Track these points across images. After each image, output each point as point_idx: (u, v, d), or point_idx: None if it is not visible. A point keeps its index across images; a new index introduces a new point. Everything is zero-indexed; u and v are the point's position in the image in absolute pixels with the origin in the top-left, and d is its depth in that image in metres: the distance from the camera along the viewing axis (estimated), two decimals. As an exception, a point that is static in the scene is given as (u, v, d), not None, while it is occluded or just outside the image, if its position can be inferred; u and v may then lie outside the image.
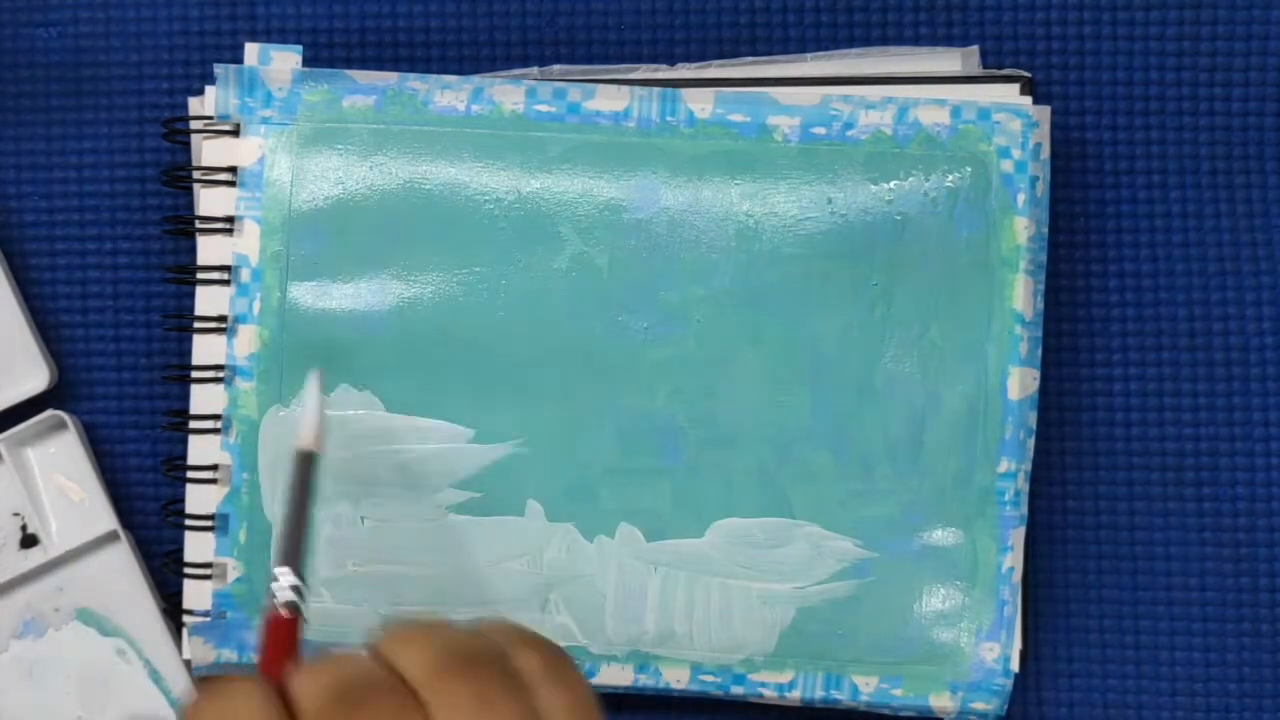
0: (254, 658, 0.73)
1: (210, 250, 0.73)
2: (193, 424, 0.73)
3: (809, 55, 0.75)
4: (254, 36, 0.77)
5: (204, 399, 0.73)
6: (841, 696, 0.73)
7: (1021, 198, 0.72)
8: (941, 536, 0.72)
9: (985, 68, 0.76)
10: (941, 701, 0.73)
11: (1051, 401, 0.76)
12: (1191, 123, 0.76)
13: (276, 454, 0.72)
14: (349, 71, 0.72)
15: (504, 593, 0.73)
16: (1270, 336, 0.76)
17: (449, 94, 0.72)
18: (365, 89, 0.72)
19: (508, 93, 0.72)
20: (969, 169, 0.72)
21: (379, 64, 0.77)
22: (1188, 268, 0.76)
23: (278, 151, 0.72)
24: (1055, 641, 0.77)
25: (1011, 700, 0.76)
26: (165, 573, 0.75)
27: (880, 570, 0.73)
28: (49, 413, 0.75)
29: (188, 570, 0.73)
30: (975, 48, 0.76)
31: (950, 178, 0.72)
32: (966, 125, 0.72)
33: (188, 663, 0.75)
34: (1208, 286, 0.76)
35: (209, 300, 0.73)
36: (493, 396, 0.72)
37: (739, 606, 0.73)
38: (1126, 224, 0.76)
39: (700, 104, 0.72)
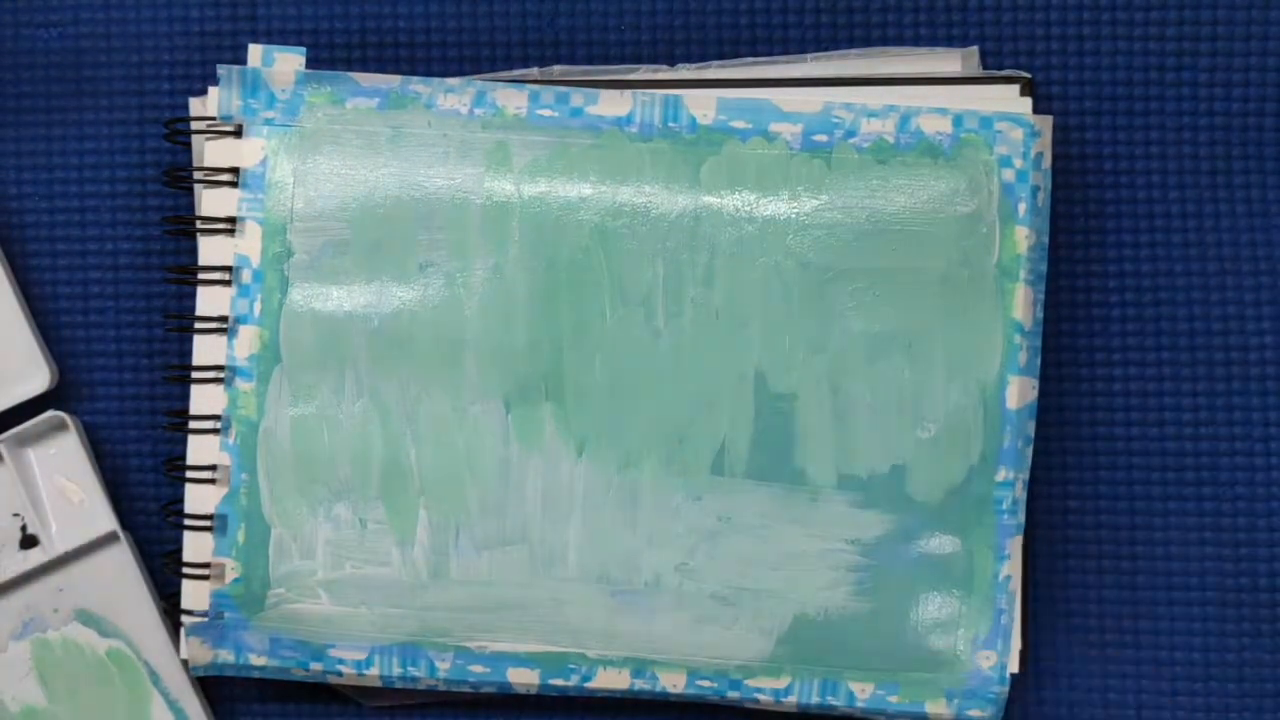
0: (252, 659, 0.73)
1: (211, 251, 0.73)
2: (192, 424, 0.73)
3: (809, 56, 0.75)
4: (254, 37, 0.77)
5: (204, 399, 0.73)
6: (837, 703, 0.74)
7: (1022, 207, 0.72)
8: (939, 545, 0.72)
9: (985, 68, 0.76)
10: (937, 709, 0.73)
11: (1052, 402, 0.76)
12: (1191, 123, 0.76)
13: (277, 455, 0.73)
14: (352, 74, 0.72)
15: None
16: (1270, 337, 0.76)
17: (451, 97, 0.72)
18: (368, 91, 0.72)
19: (510, 96, 0.72)
20: (970, 178, 0.72)
21: (379, 64, 0.76)
22: (1187, 268, 0.76)
23: (280, 153, 0.72)
24: (1056, 641, 0.77)
25: (1012, 700, 0.76)
26: (166, 573, 0.75)
27: (877, 578, 0.73)
28: (50, 413, 0.75)
29: (186, 570, 0.73)
30: (975, 49, 0.76)
31: (951, 186, 0.72)
32: (968, 134, 0.72)
33: (185, 663, 0.75)
34: (1207, 287, 0.76)
35: (210, 301, 0.73)
36: (495, 397, 0.72)
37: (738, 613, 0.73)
38: (1126, 224, 0.76)
39: (702, 109, 0.72)
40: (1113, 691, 0.77)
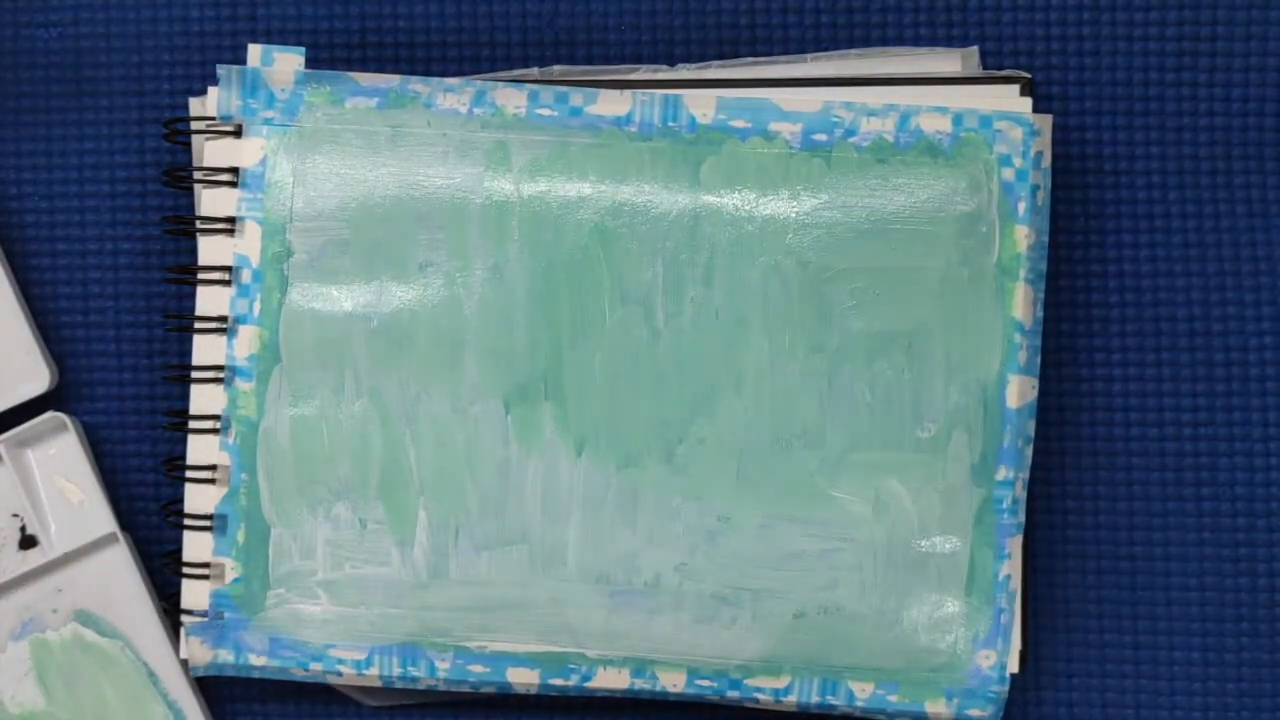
0: (251, 659, 0.73)
1: (211, 251, 0.73)
2: (192, 424, 0.73)
3: (809, 56, 0.75)
4: (254, 37, 0.77)
5: (204, 399, 0.73)
6: (837, 702, 0.74)
7: (1022, 206, 0.72)
8: (939, 544, 0.72)
9: (985, 68, 0.76)
10: (937, 708, 0.73)
11: (1052, 402, 0.76)
12: (1191, 123, 0.76)
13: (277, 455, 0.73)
14: (351, 74, 0.72)
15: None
16: (1270, 337, 0.76)
17: (451, 96, 0.72)
18: (367, 91, 0.72)
19: (510, 96, 0.72)
20: (970, 177, 0.72)
21: (379, 64, 0.77)
22: (1187, 268, 0.76)
23: (279, 153, 0.72)
24: (1055, 641, 0.77)
25: (1011, 700, 0.76)
26: (166, 573, 0.76)
27: (877, 577, 0.73)
28: (49, 414, 0.75)
29: (186, 570, 0.73)
30: (975, 49, 0.76)
31: (951, 185, 0.72)
32: (968, 133, 0.72)
33: (184, 663, 0.75)
34: (1207, 287, 0.76)
35: (209, 301, 0.73)
36: (494, 397, 0.72)
37: (736, 612, 0.73)
38: (1126, 224, 0.76)
39: (702, 109, 0.72)
40: (1112, 691, 0.77)
